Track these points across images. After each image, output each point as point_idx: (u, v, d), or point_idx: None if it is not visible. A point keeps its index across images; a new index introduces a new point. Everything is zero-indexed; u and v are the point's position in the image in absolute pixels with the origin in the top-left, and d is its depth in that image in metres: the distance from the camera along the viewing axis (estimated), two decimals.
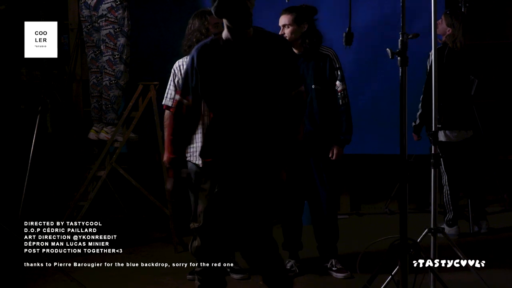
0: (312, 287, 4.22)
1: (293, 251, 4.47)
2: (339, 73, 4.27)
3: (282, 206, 4.51)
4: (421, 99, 4.95)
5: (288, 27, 4.25)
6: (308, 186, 4.38)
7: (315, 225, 4.44)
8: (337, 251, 4.43)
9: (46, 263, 4.28)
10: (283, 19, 4.27)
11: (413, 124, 5.05)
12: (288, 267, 4.38)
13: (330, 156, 4.29)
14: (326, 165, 4.32)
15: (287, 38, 4.23)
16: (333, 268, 4.35)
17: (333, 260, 4.39)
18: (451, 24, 4.95)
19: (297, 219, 4.47)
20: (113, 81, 5.25)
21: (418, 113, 5.00)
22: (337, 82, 4.27)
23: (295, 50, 4.29)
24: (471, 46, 5.25)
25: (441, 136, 4.95)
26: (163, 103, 4.29)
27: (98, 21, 5.25)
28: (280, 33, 4.26)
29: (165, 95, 4.30)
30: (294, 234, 4.46)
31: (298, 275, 4.36)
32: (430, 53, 4.59)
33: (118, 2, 5.18)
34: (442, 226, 4.97)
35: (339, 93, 4.27)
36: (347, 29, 3.82)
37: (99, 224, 5.63)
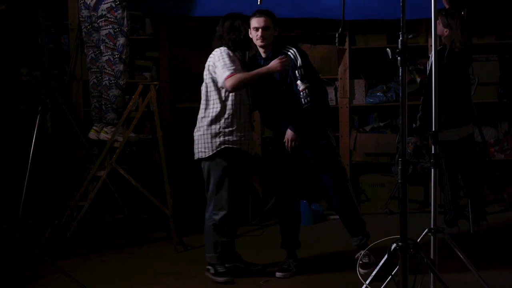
0: (311, 285, 4.22)
1: (291, 250, 4.47)
2: (300, 72, 4.21)
3: (278, 205, 4.52)
4: (421, 101, 4.94)
5: (269, 30, 4.23)
6: (309, 183, 4.39)
7: (339, 215, 4.46)
8: (368, 236, 4.41)
9: (46, 263, 4.29)
10: (264, 21, 4.21)
11: (413, 126, 5.04)
12: (286, 266, 4.39)
13: (284, 140, 4.26)
14: (320, 156, 4.32)
15: (267, 40, 4.23)
16: (359, 262, 4.27)
17: (362, 251, 4.33)
18: (447, 24, 4.91)
19: (294, 218, 4.47)
20: (113, 81, 5.26)
21: (418, 115, 4.99)
22: (298, 82, 4.22)
23: (262, 54, 4.31)
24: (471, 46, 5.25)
25: (444, 136, 4.95)
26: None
27: (98, 21, 5.25)
28: (259, 34, 4.21)
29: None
30: (291, 233, 4.47)
31: (296, 274, 4.36)
32: (430, 55, 4.59)
33: (118, 2, 5.19)
34: (442, 226, 4.97)
35: (301, 93, 4.20)
36: (340, 29, 3.82)
37: (99, 224, 5.67)
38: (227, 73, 4.12)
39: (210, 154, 4.22)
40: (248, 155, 4.32)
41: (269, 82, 4.30)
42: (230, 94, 4.21)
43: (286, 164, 4.37)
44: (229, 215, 4.28)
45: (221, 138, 4.21)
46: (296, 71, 4.22)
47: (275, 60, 4.13)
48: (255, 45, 4.34)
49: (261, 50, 4.32)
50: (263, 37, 4.23)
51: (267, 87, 4.32)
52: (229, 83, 4.11)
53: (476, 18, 5.87)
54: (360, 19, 5.75)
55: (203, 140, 4.26)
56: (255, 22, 4.24)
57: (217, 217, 4.27)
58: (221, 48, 4.27)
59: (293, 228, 4.47)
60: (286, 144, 4.25)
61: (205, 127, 4.25)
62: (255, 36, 4.25)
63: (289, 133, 4.25)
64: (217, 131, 4.22)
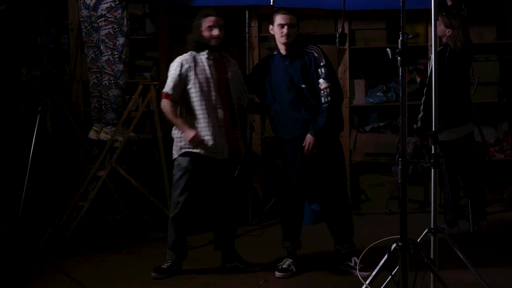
0: (311, 285, 4.22)
1: (292, 250, 4.46)
2: (323, 71, 4.22)
3: (283, 205, 4.52)
4: (422, 101, 4.94)
5: (294, 27, 4.25)
6: (312, 184, 4.38)
7: (328, 222, 4.44)
8: (355, 247, 4.40)
9: (46, 263, 4.29)
10: (290, 19, 4.23)
11: (414, 126, 5.04)
12: (285, 266, 4.38)
13: (303, 144, 4.26)
14: (329, 159, 4.31)
15: (291, 37, 4.24)
16: (357, 267, 4.28)
17: (355, 258, 4.34)
18: (449, 25, 4.92)
19: (297, 219, 4.47)
20: (112, 81, 5.26)
21: (420, 116, 4.99)
22: (321, 80, 4.23)
23: (282, 51, 4.31)
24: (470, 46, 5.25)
25: (444, 136, 4.94)
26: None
27: (98, 21, 5.26)
28: (284, 31, 4.22)
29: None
30: (293, 233, 4.47)
31: (296, 274, 4.36)
32: (431, 56, 4.59)
33: (117, 2, 5.19)
34: (442, 226, 4.97)
35: (322, 91, 4.21)
36: (340, 30, 3.83)
37: (99, 224, 5.66)
38: (163, 90, 4.29)
39: (176, 157, 4.31)
40: (212, 160, 4.28)
41: (287, 79, 4.29)
42: (189, 99, 4.25)
43: (296, 166, 4.34)
44: (181, 215, 4.36)
45: (182, 143, 4.26)
46: (319, 70, 4.22)
47: (193, 133, 4.16)
48: (274, 41, 4.33)
49: (282, 47, 4.30)
50: (288, 34, 4.23)
51: (284, 84, 4.30)
52: (161, 103, 4.29)
53: (476, 17, 5.87)
54: (359, 9, 5.74)
55: (174, 143, 4.35)
56: (280, 18, 4.24)
57: (171, 215, 4.40)
58: (185, 54, 4.32)
59: (296, 228, 4.47)
60: (305, 148, 4.24)
61: (175, 132, 4.33)
62: (279, 33, 4.24)
63: (310, 138, 4.23)
64: (179, 135, 4.27)
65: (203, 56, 4.28)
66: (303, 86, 4.26)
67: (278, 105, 4.37)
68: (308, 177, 4.39)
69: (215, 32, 4.25)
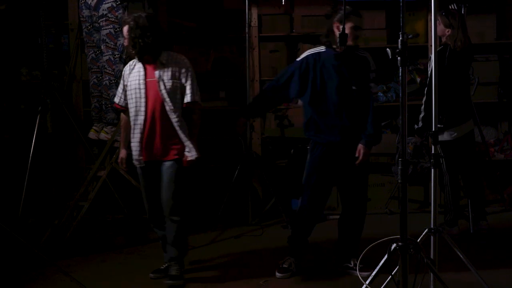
0: (311, 286, 4.23)
1: (297, 248, 4.44)
2: (374, 75, 4.25)
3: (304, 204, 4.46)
4: (423, 101, 4.94)
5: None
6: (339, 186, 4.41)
7: (342, 223, 4.44)
8: (357, 250, 4.38)
9: (46, 263, 4.29)
10: (360, 22, 4.22)
11: (416, 127, 5.04)
12: (286, 266, 4.38)
13: (356, 155, 4.24)
14: (360, 167, 4.29)
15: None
16: (356, 267, 4.27)
17: (354, 259, 4.35)
18: (449, 24, 4.92)
19: (316, 219, 4.46)
20: (113, 81, 5.26)
21: (421, 116, 4.99)
22: (372, 84, 4.24)
23: (338, 49, 4.24)
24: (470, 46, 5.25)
25: (444, 136, 4.94)
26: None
27: (99, 21, 5.26)
28: (358, 35, 4.21)
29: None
30: (305, 233, 4.45)
31: (296, 274, 4.36)
32: (431, 56, 4.59)
33: (119, 2, 5.19)
34: (442, 226, 4.97)
35: (372, 95, 4.24)
36: (342, 29, 3.84)
37: (99, 224, 5.66)
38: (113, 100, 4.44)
39: None
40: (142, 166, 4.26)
41: (338, 78, 4.24)
42: (128, 106, 4.26)
43: (329, 168, 4.32)
44: (150, 218, 4.40)
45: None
46: (371, 74, 4.24)
47: (121, 155, 4.36)
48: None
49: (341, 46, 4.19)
50: (359, 37, 4.25)
51: (334, 83, 4.24)
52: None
53: (476, 9, 5.86)
54: (359, 0, 5.74)
55: None
56: (358, 21, 4.20)
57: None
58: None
59: (310, 228, 4.45)
60: (359, 159, 4.23)
61: None
62: (351, 33, 4.14)
63: (362, 147, 4.23)
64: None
65: (137, 62, 4.21)
66: (353, 88, 4.23)
67: (319, 107, 4.28)
68: (338, 180, 4.38)
69: (124, 42, 4.20)
